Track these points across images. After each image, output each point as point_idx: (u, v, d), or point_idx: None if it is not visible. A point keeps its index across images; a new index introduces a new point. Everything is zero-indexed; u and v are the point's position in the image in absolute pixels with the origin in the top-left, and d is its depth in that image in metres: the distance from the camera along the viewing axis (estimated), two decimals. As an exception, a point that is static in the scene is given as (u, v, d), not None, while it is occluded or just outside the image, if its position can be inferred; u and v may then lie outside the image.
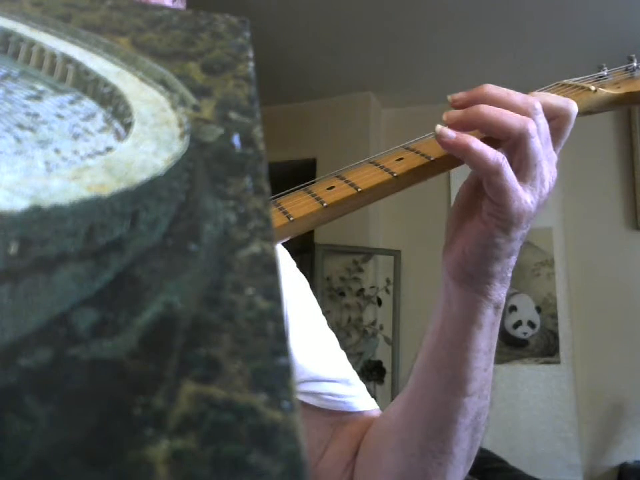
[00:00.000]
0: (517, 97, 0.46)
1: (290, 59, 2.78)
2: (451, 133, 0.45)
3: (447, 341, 0.51)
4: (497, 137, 0.46)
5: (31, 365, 0.16)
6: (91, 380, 0.16)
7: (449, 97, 0.48)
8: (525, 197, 0.45)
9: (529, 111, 0.45)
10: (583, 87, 0.55)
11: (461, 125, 0.46)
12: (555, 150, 0.48)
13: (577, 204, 2.86)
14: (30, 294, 0.17)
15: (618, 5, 2.34)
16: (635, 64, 0.59)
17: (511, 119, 0.44)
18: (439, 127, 0.46)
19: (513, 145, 0.45)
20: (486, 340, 0.50)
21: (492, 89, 0.47)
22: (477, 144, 0.44)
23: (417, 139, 0.50)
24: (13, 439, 0.14)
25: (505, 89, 0.47)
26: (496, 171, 0.44)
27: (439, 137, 0.45)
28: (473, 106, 0.46)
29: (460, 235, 0.49)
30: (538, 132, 0.45)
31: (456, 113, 0.46)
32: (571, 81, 0.56)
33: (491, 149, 0.44)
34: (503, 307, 0.51)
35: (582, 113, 0.54)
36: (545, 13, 2.40)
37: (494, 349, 0.52)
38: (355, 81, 2.97)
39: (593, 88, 0.54)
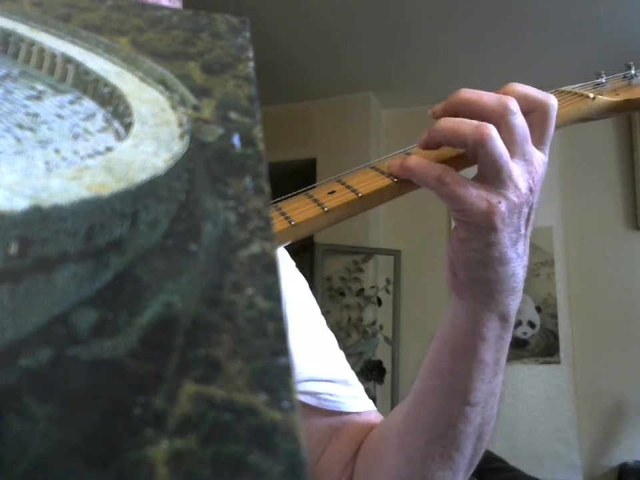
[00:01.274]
0: (490, 98, 0.46)
1: (290, 58, 2.78)
2: (396, 162, 0.46)
3: (449, 351, 0.51)
4: (458, 147, 0.46)
5: (31, 364, 0.16)
6: (91, 380, 0.16)
7: (429, 112, 0.49)
8: (488, 198, 0.44)
9: (501, 112, 0.45)
10: (581, 95, 0.54)
11: (430, 145, 0.47)
12: (540, 148, 0.47)
13: (577, 204, 2.86)
14: (30, 294, 0.17)
15: (618, 10, 2.33)
16: (632, 71, 0.59)
17: (465, 129, 0.44)
18: (387, 162, 0.47)
19: (473, 153, 0.45)
20: (491, 352, 0.49)
21: (466, 93, 0.46)
22: (415, 162, 0.45)
23: (417, 144, 0.50)
24: (13, 439, 0.14)
25: (478, 92, 0.46)
26: (437, 183, 0.44)
27: (389, 168, 0.47)
28: (436, 125, 0.46)
29: (448, 247, 0.49)
30: (511, 132, 0.44)
31: (423, 138, 0.48)
32: (569, 88, 0.56)
33: (431, 163, 0.45)
34: (511, 320, 0.49)
35: (580, 120, 0.54)
36: (545, 16, 2.40)
37: (502, 362, 0.51)
38: (355, 81, 2.97)
39: (591, 95, 0.54)
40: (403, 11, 2.43)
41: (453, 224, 0.48)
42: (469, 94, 0.46)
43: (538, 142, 0.47)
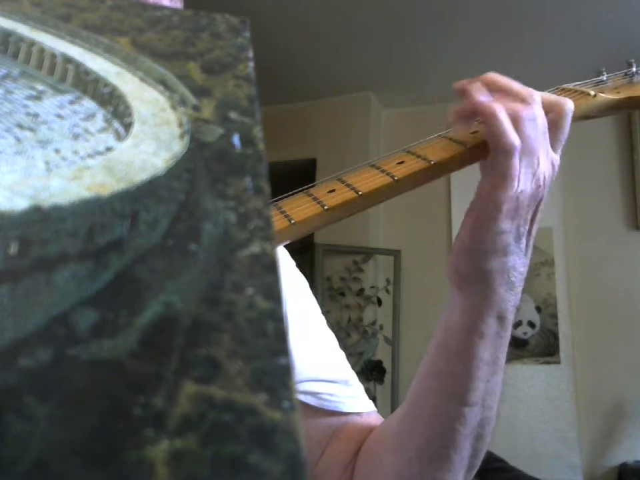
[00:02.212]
0: (517, 84, 0.48)
1: (290, 58, 2.78)
2: (463, 82, 0.48)
3: (447, 350, 0.51)
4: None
5: (31, 364, 0.16)
6: (91, 380, 0.16)
7: (455, 85, 0.50)
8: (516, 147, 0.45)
9: (527, 97, 0.46)
10: (582, 92, 0.55)
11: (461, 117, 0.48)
12: (553, 149, 0.48)
13: (577, 204, 2.86)
14: (30, 294, 0.17)
15: (617, 9, 2.33)
16: (633, 69, 0.59)
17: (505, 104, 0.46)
18: (459, 84, 0.49)
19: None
20: (489, 350, 0.49)
21: (495, 76, 0.49)
22: (504, 114, 0.46)
23: (417, 142, 0.50)
24: (13, 439, 0.14)
25: (508, 78, 0.48)
26: (510, 150, 0.45)
27: (463, 92, 0.48)
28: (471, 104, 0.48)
29: (456, 239, 0.50)
30: (534, 120, 0.46)
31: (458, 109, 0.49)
32: (570, 86, 0.56)
33: (513, 129, 0.46)
34: (509, 317, 0.49)
35: (581, 118, 0.54)
36: (545, 16, 2.39)
37: (501, 361, 0.51)
38: (355, 81, 2.97)
39: (592, 93, 0.54)
40: (402, 11, 2.42)
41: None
42: (497, 76, 0.49)
43: (554, 142, 0.48)
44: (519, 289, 0.49)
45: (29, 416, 0.15)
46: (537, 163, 0.46)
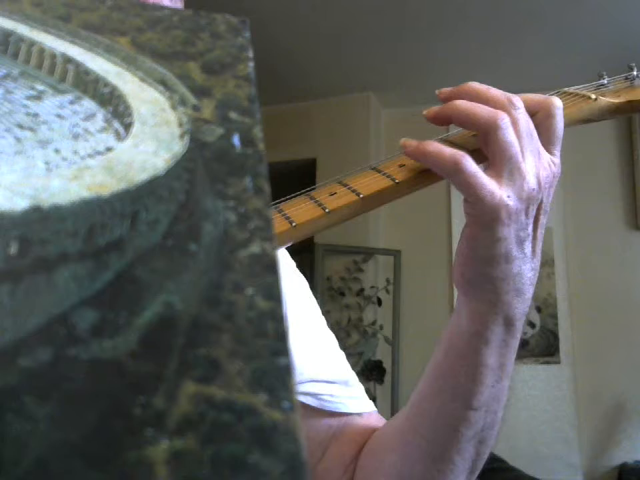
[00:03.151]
0: (496, 91, 0.47)
1: (291, 58, 2.78)
2: (412, 142, 0.47)
3: (453, 354, 0.51)
4: (469, 128, 0.47)
5: (31, 364, 0.16)
6: (91, 380, 0.16)
7: (437, 92, 0.50)
8: (498, 191, 0.44)
9: (506, 104, 0.46)
10: (583, 95, 0.55)
11: (438, 118, 0.48)
12: (549, 150, 0.48)
13: (577, 204, 2.86)
14: (30, 294, 0.17)
15: (618, 12, 2.33)
16: (635, 72, 0.59)
17: (482, 110, 0.45)
18: (402, 139, 0.47)
19: (485, 137, 0.45)
20: (494, 357, 0.49)
21: (474, 84, 0.48)
22: (433, 146, 0.45)
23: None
24: (13, 439, 0.14)
25: (486, 86, 0.48)
26: (455, 169, 0.44)
27: (403, 148, 0.47)
28: (450, 101, 0.47)
29: (457, 248, 0.49)
30: (514, 125, 0.45)
31: (434, 108, 0.49)
32: (571, 89, 0.56)
33: (449, 148, 0.45)
34: (517, 324, 0.48)
35: (582, 121, 0.54)
36: (545, 18, 2.39)
37: (507, 368, 0.50)
38: (355, 81, 2.97)
39: (593, 96, 0.54)
40: (403, 12, 2.42)
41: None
42: (476, 85, 0.48)
43: (547, 142, 0.48)
44: (528, 295, 0.48)
45: (29, 416, 0.15)
46: (523, 167, 0.45)
